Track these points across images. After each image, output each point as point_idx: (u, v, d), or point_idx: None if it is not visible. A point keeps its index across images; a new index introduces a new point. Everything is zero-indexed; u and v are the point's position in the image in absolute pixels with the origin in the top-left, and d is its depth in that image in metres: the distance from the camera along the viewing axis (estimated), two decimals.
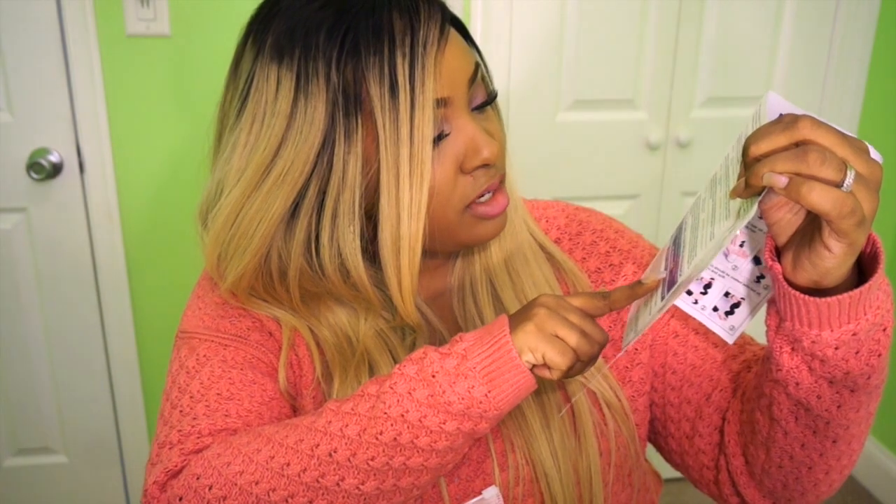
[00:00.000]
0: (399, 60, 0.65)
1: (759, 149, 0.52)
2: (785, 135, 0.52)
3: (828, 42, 1.89)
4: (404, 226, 0.67)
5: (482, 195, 0.71)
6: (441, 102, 0.67)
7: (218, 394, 0.71)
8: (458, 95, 0.68)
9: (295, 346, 0.76)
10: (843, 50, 1.89)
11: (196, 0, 1.63)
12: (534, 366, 0.63)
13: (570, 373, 0.63)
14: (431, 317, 0.80)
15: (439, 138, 0.68)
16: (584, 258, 0.84)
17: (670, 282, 0.65)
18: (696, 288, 0.65)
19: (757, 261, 0.64)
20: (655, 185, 1.94)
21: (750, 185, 0.52)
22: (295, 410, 0.76)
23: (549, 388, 0.76)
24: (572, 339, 0.62)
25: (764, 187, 0.52)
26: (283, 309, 0.76)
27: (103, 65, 1.64)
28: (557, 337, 0.62)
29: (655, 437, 0.86)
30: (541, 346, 0.62)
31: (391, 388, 0.63)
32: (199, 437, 0.69)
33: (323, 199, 0.69)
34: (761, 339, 0.81)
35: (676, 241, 0.67)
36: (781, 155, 0.51)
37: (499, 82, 1.79)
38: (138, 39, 1.64)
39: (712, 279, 0.65)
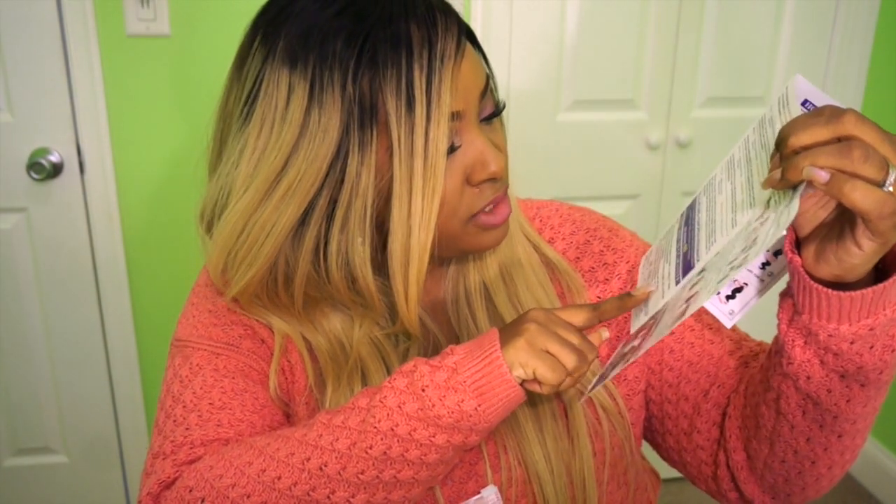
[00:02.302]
0: (417, 73, 0.64)
1: (799, 140, 0.50)
2: (828, 128, 0.50)
3: (828, 42, 1.89)
4: (415, 237, 0.67)
5: (486, 206, 0.71)
6: (455, 116, 0.66)
7: (210, 403, 0.72)
8: (471, 108, 0.68)
9: (287, 353, 0.77)
10: (843, 50, 1.89)
11: (196, 0, 1.63)
12: (524, 380, 0.63)
13: (559, 387, 0.64)
14: (427, 321, 0.80)
15: (450, 151, 0.67)
16: (578, 258, 0.84)
17: (686, 266, 0.64)
18: (697, 270, 0.63)
19: None
20: (655, 185, 1.94)
21: (786, 178, 0.51)
22: (288, 417, 0.77)
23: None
24: (563, 354, 0.63)
25: (801, 180, 0.50)
26: (279, 315, 0.76)
27: (103, 65, 1.64)
28: (548, 353, 0.63)
29: (652, 434, 0.86)
30: (532, 361, 0.62)
31: (381, 401, 0.63)
32: (191, 448, 0.69)
33: (334, 209, 0.68)
34: (758, 335, 0.81)
35: (689, 222, 0.65)
36: (825, 149, 0.49)
37: (499, 82, 1.78)
38: (138, 39, 1.64)
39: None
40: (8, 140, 1.67)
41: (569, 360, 0.63)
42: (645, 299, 0.67)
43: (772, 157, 0.54)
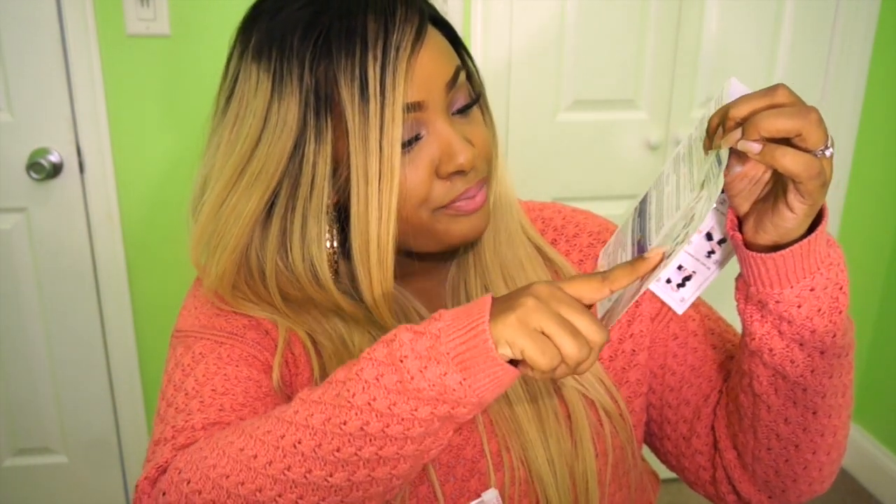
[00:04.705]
0: (370, 63, 0.65)
1: (739, 111, 0.57)
2: (764, 99, 0.56)
3: (828, 42, 1.89)
4: (373, 228, 0.67)
5: (459, 199, 0.71)
6: (413, 106, 0.67)
7: (213, 389, 0.71)
8: (434, 99, 0.68)
9: (291, 345, 0.76)
10: (843, 50, 1.89)
11: (196, 0, 1.63)
12: (513, 360, 0.57)
13: (554, 374, 0.58)
14: (426, 315, 0.79)
15: (413, 142, 0.68)
16: (582, 260, 0.84)
17: (640, 251, 0.68)
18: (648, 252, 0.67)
19: (708, 237, 0.68)
20: None
21: (744, 138, 0.56)
22: None
23: (544, 394, 0.76)
24: (560, 337, 0.56)
25: (726, 160, 0.58)
26: (277, 312, 0.76)
27: (103, 65, 1.64)
28: (543, 334, 0.56)
29: (651, 438, 0.86)
30: (520, 341, 0.56)
31: (357, 374, 0.58)
32: (192, 432, 0.68)
33: (295, 200, 0.69)
34: None
35: (642, 214, 0.70)
36: (784, 110, 0.55)
37: (499, 82, 1.79)
38: (138, 39, 1.64)
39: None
40: (8, 140, 1.67)
41: (566, 344, 0.56)
42: (659, 262, 0.61)
43: (709, 135, 0.60)
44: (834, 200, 2.01)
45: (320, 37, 0.66)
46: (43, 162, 1.66)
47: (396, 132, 0.65)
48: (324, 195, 0.68)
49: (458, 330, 0.57)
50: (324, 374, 0.75)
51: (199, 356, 0.74)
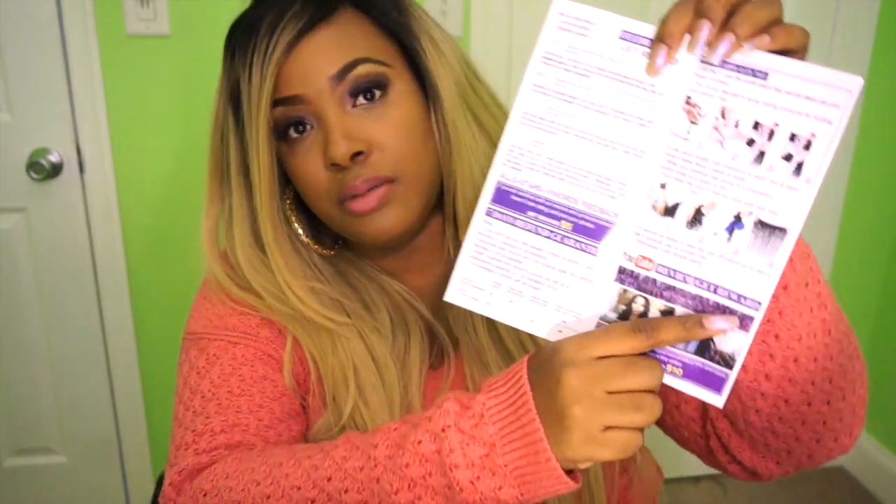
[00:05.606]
0: (256, 59, 0.69)
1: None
2: None
3: (828, 42, 1.89)
4: (259, 215, 0.74)
5: (356, 195, 0.71)
6: (289, 100, 0.70)
7: (229, 391, 0.72)
8: (320, 92, 0.70)
9: (298, 344, 0.77)
10: (843, 50, 1.89)
11: (196, 0, 1.63)
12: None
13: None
14: (424, 312, 0.80)
15: (290, 134, 0.72)
16: None
17: (592, 231, 0.55)
18: (654, 220, 0.55)
19: None
20: None
21: (743, 36, 0.52)
22: (304, 408, 0.77)
23: None
24: (628, 421, 0.50)
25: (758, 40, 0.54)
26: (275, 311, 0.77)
27: (103, 65, 1.64)
28: (613, 428, 0.50)
29: None
30: (598, 453, 0.51)
31: (403, 468, 0.55)
32: (211, 436, 0.69)
33: (230, 189, 0.76)
34: None
35: (533, 201, 0.56)
36: (758, 2, 0.52)
37: (499, 82, 1.79)
38: (138, 39, 1.64)
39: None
40: (7, 140, 1.67)
41: (638, 421, 0.50)
42: (719, 334, 0.54)
43: (658, 50, 0.56)
44: (834, 201, 2.01)
45: (236, 35, 0.72)
46: (43, 162, 1.66)
47: (263, 126, 0.70)
48: (241, 186, 0.74)
49: (511, 440, 0.52)
50: (319, 379, 0.76)
51: (214, 358, 0.74)
